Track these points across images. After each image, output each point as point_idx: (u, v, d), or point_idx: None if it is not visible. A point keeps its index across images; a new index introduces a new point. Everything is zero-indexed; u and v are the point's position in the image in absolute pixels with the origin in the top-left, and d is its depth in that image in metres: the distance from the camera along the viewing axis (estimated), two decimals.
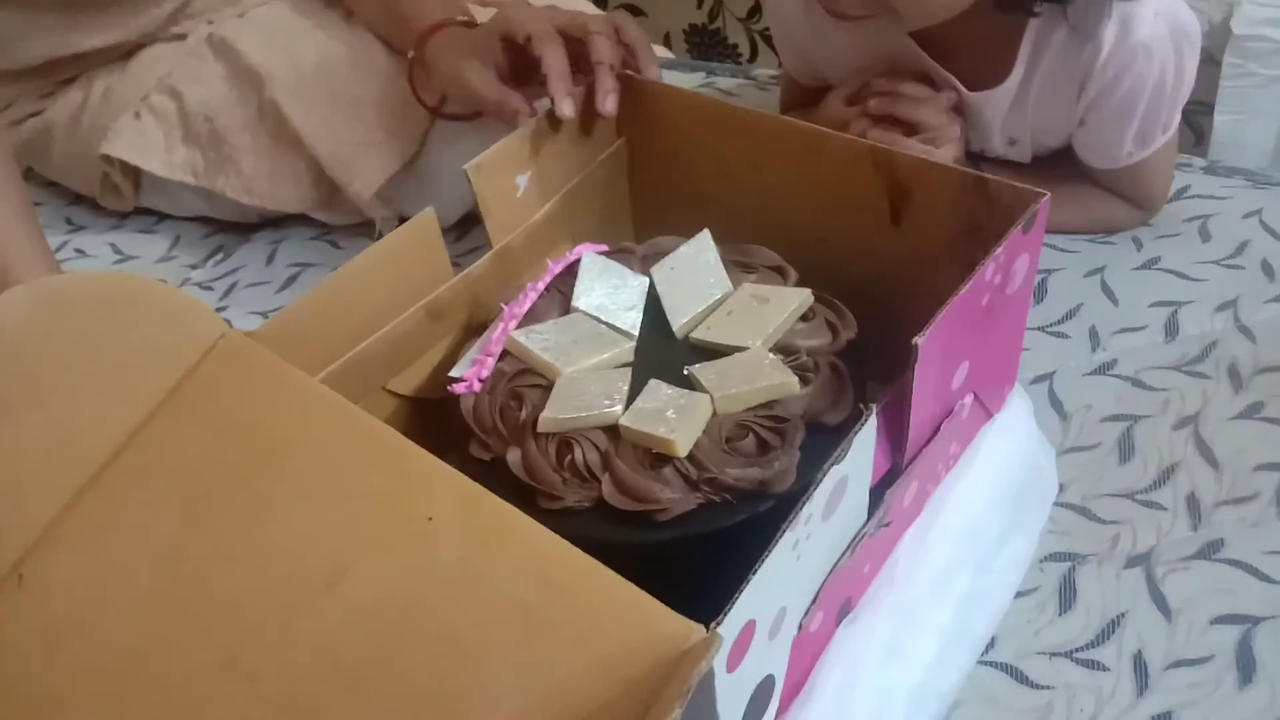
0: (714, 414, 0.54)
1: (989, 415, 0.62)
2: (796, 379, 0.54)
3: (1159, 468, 0.64)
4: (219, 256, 0.91)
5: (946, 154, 0.70)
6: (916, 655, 0.53)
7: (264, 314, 0.84)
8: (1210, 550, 0.59)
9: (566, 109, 0.66)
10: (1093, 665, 0.55)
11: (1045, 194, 0.55)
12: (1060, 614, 0.57)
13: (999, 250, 0.53)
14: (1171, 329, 0.72)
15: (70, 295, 0.51)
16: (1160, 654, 0.55)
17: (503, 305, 0.62)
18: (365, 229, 0.90)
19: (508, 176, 0.66)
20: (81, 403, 0.51)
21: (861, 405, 0.57)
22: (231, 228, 0.94)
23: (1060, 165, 0.79)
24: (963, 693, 0.54)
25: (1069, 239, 0.80)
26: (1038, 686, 0.54)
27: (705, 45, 1.84)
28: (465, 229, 0.89)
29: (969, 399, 0.58)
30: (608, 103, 0.67)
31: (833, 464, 0.44)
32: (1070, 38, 0.68)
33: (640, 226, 0.76)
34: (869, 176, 0.62)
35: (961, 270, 0.61)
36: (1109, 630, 0.56)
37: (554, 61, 0.67)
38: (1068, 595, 0.58)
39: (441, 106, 0.82)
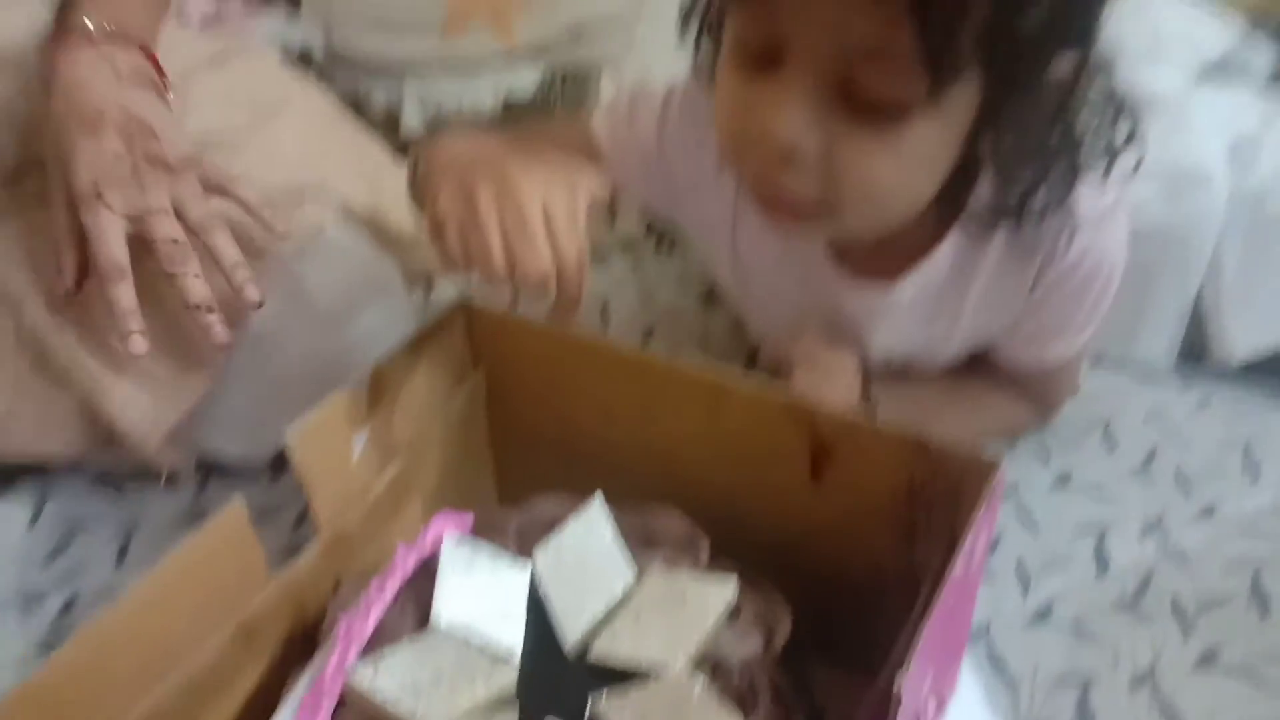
0: None
1: (941, 706, 0.53)
2: None
3: None
4: None
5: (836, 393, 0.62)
6: None
7: (21, 601, 0.66)
8: None
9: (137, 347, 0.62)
10: None
11: (1001, 462, 0.47)
12: None
13: (966, 543, 0.43)
14: (1102, 560, 0.65)
15: None
16: None
17: (340, 615, 0.48)
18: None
19: (340, 439, 0.53)
20: None
21: None
22: None
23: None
24: None
25: None
26: None
27: None
28: None
29: (931, 705, 0.48)
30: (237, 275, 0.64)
31: None
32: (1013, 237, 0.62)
33: (506, 481, 0.64)
34: (785, 430, 0.52)
35: (899, 535, 0.53)
36: None
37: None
38: None
39: None
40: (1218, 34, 1.55)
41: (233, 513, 0.48)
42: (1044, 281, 0.63)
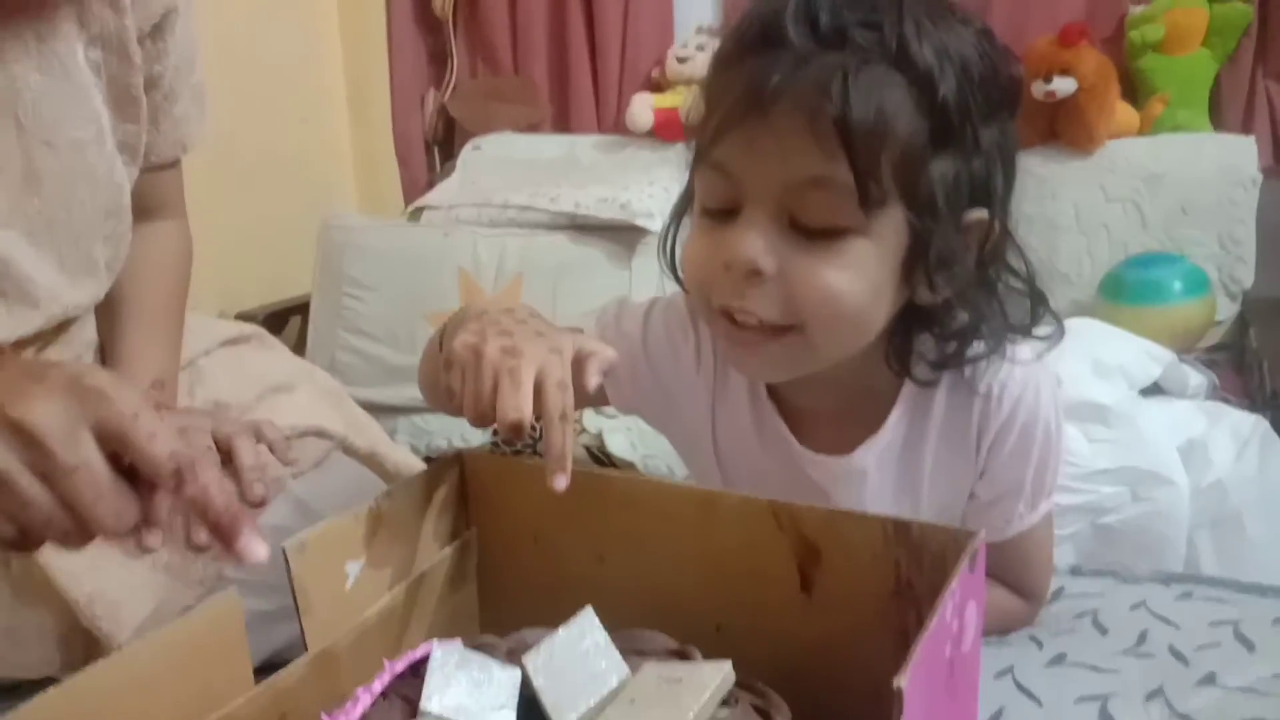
0: None
1: None
2: None
3: None
4: None
5: None
6: None
7: None
8: None
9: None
10: None
11: (980, 531, 0.49)
12: None
13: (954, 585, 0.44)
14: None
15: None
16: None
17: (324, 716, 0.46)
18: None
19: (335, 562, 0.54)
20: None
21: None
22: None
23: None
24: None
25: None
26: None
27: None
28: None
29: None
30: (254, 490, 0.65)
31: None
32: (954, 389, 0.67)
33: (493, 627, 0.63)
34: (772, 537, 0.54)
35: (892, 642, 0.52)
36: None
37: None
38: None
39: None
40: (1151, 360, 1.71)
41: (228, 601, 0.48)
42: (986, 440, 0.68)
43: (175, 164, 0.95)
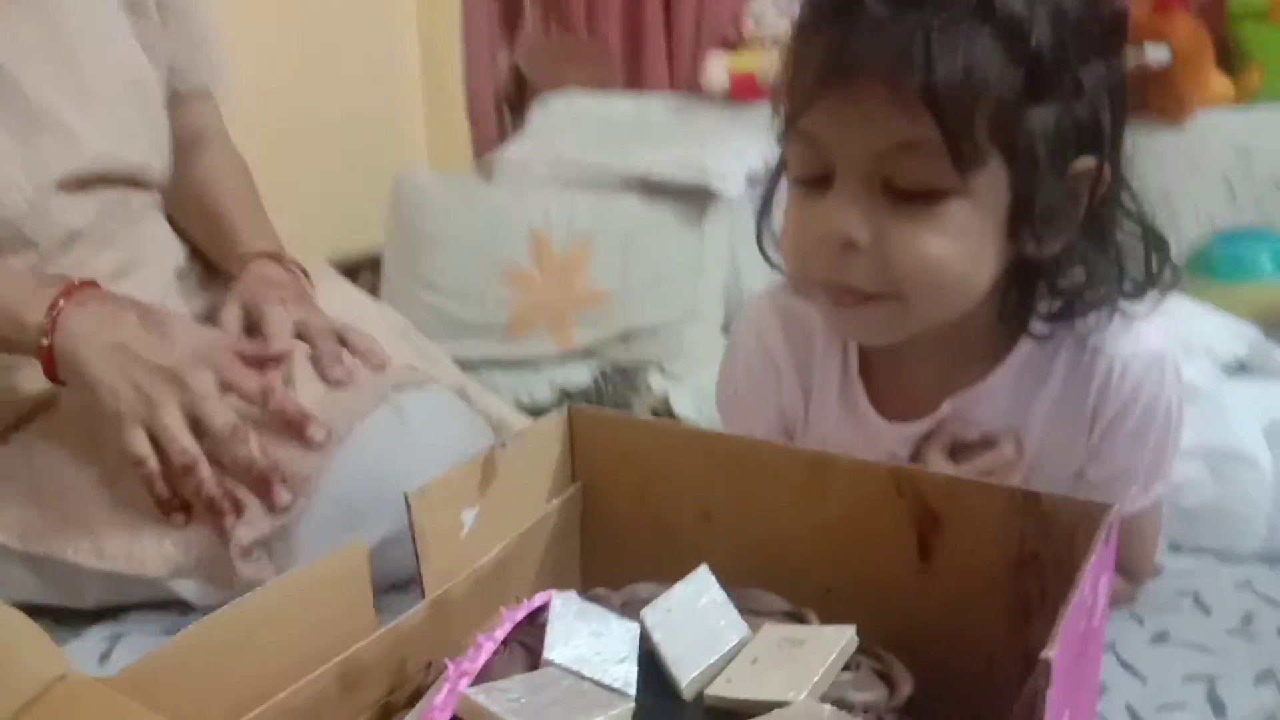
0: None
1: None
2: None
3: None
4: None
5: None
6: None
7: None
8: None
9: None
10: None
11: (1114, 505, 0.48)
12: None
13: (1092, 558, 0.43)
14: (1218, 705, 0.62)
15: None
16: None
17: (447, 662, 0.47)
18: None
19: (452, 510, 0.54)
20: None
21: None
22: (57, 617, 0.74)
23: None
24: None
25: None
26: None
27: None
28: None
29: None
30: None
31: None
32: (1075, 358, 0.65)
33: (591, 582, 0.63)
34: (891, 504, 0.53)
35: (1013, 614, 0.52)
36: None
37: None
38: None
39: None
40: (1237, 338, 1.66)
41: (353, 549, 0.48)
42: (1103, 419, 0.65)
43: (207, 96, 0.99)
